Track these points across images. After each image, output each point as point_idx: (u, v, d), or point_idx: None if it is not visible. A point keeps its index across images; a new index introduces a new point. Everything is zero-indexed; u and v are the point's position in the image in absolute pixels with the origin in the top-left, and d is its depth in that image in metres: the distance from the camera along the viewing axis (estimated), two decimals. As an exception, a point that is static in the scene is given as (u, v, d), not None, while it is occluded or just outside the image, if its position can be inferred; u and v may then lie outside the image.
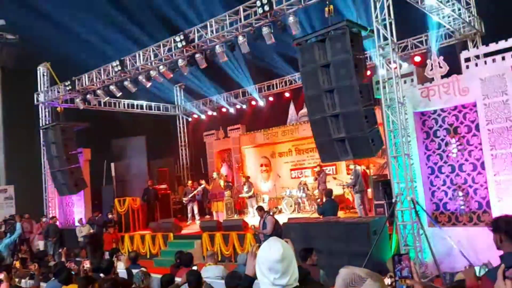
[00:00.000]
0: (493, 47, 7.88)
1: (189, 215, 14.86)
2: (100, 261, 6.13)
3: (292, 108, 16.27)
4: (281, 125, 16.10)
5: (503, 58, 7.65)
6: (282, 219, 10.23)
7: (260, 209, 10.08)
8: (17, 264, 8.44)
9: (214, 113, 18.03)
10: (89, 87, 13.76)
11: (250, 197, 14.23)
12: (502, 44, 7.72)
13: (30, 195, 16.83)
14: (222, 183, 14.61)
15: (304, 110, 13.79)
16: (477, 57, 8.17)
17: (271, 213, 10.33)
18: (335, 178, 13.33)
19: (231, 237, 11.10)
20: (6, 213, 15.39)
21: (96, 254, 8.50)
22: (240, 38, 10.34)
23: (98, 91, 13.60)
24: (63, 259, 8.09)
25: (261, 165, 16.78)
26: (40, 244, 14.03)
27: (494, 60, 7.74)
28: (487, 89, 7.75)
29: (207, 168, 17.79)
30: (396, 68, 8.07)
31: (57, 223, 14.67)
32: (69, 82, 14.08)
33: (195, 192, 14.76)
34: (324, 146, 8.51)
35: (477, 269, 3.34)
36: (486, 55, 7.99)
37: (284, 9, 9.37)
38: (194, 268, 4.95)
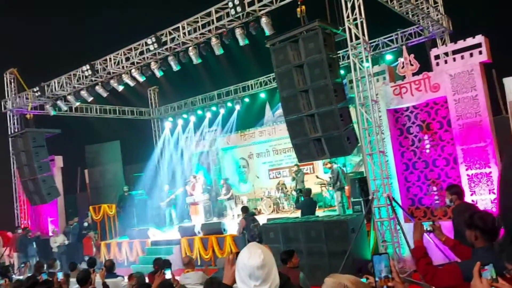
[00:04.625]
0: (461, 44, 8.09)
1: (167, 220, 14.63)
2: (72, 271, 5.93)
3: (268, 109, 16.28)
4: (257, 126, 16.08)
5: (471, 55, 7.86)
6: (261, 220, 10.19)
7: (242, 209, 10.40)
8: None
9: (190, 116, 17.82)
10: (59, 92, 13.37)
11: (228, 199, 14.14)
12: (470, 41, 7.93)
13: (0, 205, 16.26)
14: (200, 185, 14.45)
15: (280, 111, 13.80)
16: (446, 54, 8.37)
17: (253, 215, 10.36)
18: (317, 177, 13.33)
19: (210, 241, 10.99)
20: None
21: (70, 265, 8.22)
22: (213, 40, 10.26)
23: (69, 97, 13.23)
24: (27, 274, 7.80)
25: (239, 167, 16.72)
26: (15, 257, 13.54)
27: (462, 57, 7.95)
28: (457, 85, 7.95)
29: (185, 171, 17.57)
30: (368, 67, 8.17)
31: (30, 234, 14.19)
32: (37, 88, 13.64)
33: (171, 196, 14.56)
34: (301, 146, 8.54)
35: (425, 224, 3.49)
36: (455, 52, 8.19)
37: (257, 10, 9.35)
38: (168, 271, 4.83)
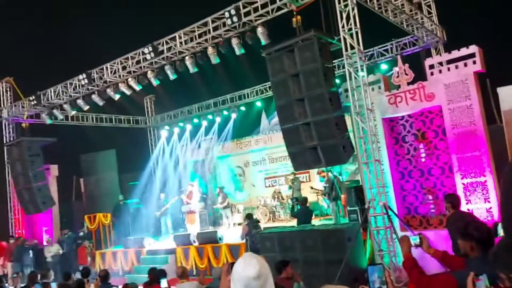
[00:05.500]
0: (455, 54, 8.18)
1: (163, 229, 14.55)
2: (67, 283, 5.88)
3: (264, 117, 16.32)
4: (253, 135, 16.10)
5: (465, 65, 7.94)
6: (257, 229, 10.18)
7: (246, 216, 10.71)
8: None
9: (186, 124, 17.82)
10: (55, 101, 13.35)
11: (224, 208, 14.10)
12: (464, 51, 8.01)
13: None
14: (197, 194, 14.40)
15: (276, 119, 13.83)
16: (441, 64, 8.44)
17: (256, 222, 10.43)
18: (312, 188, 13.31)
19: (206, 250, 10.92)
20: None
21: (65, 275, 8.13)
22: (210, 49, 10.32)
23: (65, 105, 13.21)
24: (20, 284, 7.72)
25: (235, 175, 16.69)
26: (9, 267, 13.38)
27: (457, 67, 8.03)
28: (452, 94, 8.01)
29: (180, 180, 17.51)
30: (363, 76, 8.22)
31: (26, 242, 14.05)
32: (34, 97, 13.62)
33: (167, 205, 14.49)
34: (297, 155, 8.55)
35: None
36: (449, 62, 8.27)
37: (253, 20, 9.41)
38: (164, 280, 4.80)
